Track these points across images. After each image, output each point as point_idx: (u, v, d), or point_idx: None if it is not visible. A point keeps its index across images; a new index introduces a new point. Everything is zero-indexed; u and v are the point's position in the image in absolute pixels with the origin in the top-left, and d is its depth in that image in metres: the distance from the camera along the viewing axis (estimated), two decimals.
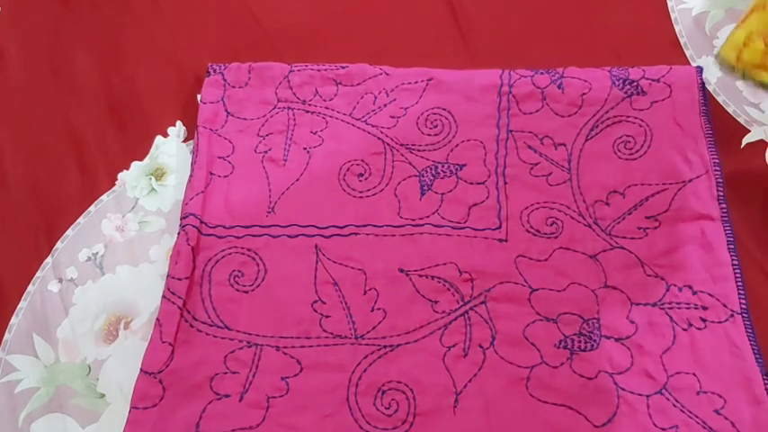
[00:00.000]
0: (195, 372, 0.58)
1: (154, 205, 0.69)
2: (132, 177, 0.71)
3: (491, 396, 0.56)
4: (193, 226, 0.64)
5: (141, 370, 0.58)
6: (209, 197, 0.66)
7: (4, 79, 0.79)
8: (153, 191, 0.70)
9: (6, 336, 0.63)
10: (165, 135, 0.73)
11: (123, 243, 0.67)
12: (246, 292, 0.62)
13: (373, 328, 0.60)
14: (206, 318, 0.60)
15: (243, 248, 0.63)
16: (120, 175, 0.71)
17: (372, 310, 0.61)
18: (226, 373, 0.58)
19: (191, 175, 0.67)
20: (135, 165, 0.72)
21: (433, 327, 0.60)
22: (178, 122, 0.74)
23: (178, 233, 0.64)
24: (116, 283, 0.65)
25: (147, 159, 0.72)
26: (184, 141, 0.72)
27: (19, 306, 0.65)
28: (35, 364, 0.62)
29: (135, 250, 0.67)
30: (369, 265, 0.62)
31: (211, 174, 0.68)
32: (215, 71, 0.73)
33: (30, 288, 0.66)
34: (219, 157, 0.69)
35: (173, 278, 0.61)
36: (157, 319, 0.60)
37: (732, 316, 0.59)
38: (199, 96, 0.73)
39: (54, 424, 0.59)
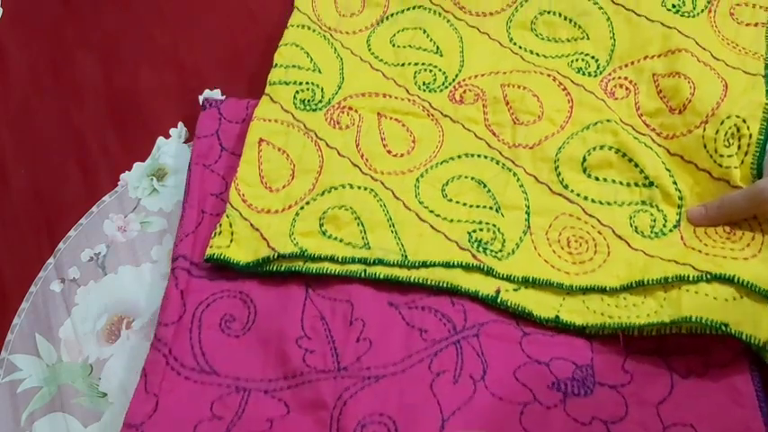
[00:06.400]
0: (180, 421, 0.56)
1: (155, 205, 0.69)
2: (134, 178, 0.71)
3: (481, 426, 0.53)
4: (183, 269, 0.61)
5: (124, 424, 0.55)
6: (199, 237, 0.63)
7: (5, 80, 0.79)
8: (154, 191, 0.70)
9: (9, 336, 0.64)
10: (167, 136, 0.73)
11: (125, 243, 0.68)
12: (237, 336, 0.59)
13: (357, 359, 0.56)
14: (194, 364, 0.58)
15: (234, 291, 0.61)
16: (122, 176, 0.71)
17: (357, 341, 0.57)
18: (211, 419, 0.56)
19: (182, 215, 0.65)
20: (137, 165, 0.72)
21: (422, 355, 0.56)
22: (179, 123, 0.74)
23: (169, 277, 0.62)
24: (118, 283, 0.66)
25: (148, 160, 0.72)
26: (186, 142, 0.73)
27: (21, 306, 0.65)
28: (37, 363, 0.62)
29: (137, 250, 0.67)
30: (356, 295, 0.60)
31: (203, 212, 0.65)
32: (210, 105, 0.70)
33: (32, 288, 0.66)
34: (212, 195, 0.66)
35: (161, 324, 0.59)
36: (143, 369, 0.57)
37: (737, 355, 0.54)
38: (200, 97, 0.73)
39: (56, 423, 0.60)
